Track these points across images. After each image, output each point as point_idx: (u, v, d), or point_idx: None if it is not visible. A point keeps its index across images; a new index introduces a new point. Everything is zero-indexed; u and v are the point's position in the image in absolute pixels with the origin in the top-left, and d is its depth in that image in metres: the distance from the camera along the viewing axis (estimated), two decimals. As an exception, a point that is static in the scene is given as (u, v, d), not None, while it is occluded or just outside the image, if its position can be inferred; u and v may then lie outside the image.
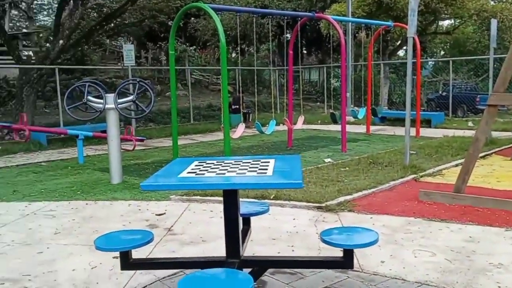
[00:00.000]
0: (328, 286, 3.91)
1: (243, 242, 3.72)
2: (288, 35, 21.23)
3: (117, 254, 4.05)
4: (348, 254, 3.41)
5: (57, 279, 4.25)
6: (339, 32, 11.63)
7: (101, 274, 4.31)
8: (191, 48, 28.71)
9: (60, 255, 4.86)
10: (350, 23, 19.88)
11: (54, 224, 5.95)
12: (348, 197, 6.56)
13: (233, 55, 31.10)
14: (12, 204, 6.99)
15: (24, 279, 4.26)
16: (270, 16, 14.01)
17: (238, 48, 23.20)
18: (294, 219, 5.84)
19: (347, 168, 8.57)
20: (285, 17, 14.89)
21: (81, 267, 4.48)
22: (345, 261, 3.43)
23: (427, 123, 15.86)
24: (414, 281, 3.96)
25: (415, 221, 5.63)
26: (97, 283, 4.13)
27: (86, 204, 6.93)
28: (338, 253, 3.82)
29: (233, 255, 3.45)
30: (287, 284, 3.96)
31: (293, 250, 4.78)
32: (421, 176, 7.98)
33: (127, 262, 3.61)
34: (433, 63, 31.45)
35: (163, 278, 4.15)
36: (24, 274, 4.37)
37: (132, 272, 4.20)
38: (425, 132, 14.11)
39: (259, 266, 3.64)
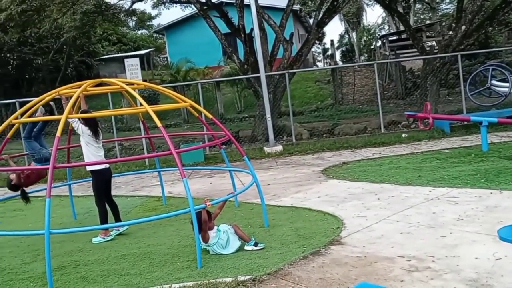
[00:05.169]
0: None
1: None
2: None
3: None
4: None
5: (459, 264, 4.28)
6: None
7: (506, 267, 4.08)
8: None
9: (463, 241, 4.86)
10: None
11: (457, 210, 5.98)
12: None
13: None
14: (417, 188, 7.42)
15: (428, 259, 4.48)
16: None
17: None
18: None
19: None
20: None
21: (484, 257, 4.36)
22: None
23: None
24: None
25: None
26: (502, 275, 3.93)
27: (491, 193, 6.65)
28: None
29: None
30: None
31: None
32: None
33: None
34: None
35: None
36: (428, 254, 4.59)
37: (542, 270, 3.81)
38: None
39: None
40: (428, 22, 33.24)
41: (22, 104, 11.41)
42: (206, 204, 5.24)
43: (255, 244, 5.28)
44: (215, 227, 5.39)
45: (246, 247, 5.29)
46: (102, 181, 6.60)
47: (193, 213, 4.98)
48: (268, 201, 7.35)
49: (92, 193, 6.80)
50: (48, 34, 24.66)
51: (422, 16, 42.80)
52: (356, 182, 8.41)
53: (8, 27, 19.43)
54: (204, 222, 5.23)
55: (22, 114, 6.63)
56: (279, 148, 13.40)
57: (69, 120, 6.01)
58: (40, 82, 27.48)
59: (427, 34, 24.99)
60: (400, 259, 4.56)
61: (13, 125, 6.36)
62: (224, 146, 9.07)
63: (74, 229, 6.71)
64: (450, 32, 15.79)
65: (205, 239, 5.27)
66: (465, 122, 12.65)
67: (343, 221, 6.05)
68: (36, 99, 6.48)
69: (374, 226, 5.71)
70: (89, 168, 6.60)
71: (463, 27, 14.72)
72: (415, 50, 18.43)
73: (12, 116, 6.29)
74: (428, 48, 19.09)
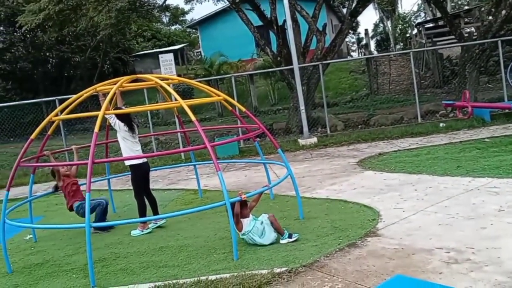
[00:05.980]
0: None
1: None
2: None
3: None
4: None
5: (500, 256, 4.17)
6: None
7: (551, 259, 3.94)
8: None
9: (504, 232, 4.73)
10: None
11: (498, 201, 5.82)
12: None
13: None
14: (456, 179, 7.25)
15: (468, 251, 4.38)
16: None
17: None
18: None
19: None
20: None
21: (527, 248, 4.23)
22: None
23: None
24: None
25: None
26: (546, 268, 3.81)
27: (533, 182, 6.45)
28: None
29: None
30: None
31: None
32: None
33: None
34: None
35: None
36: (468, 246, 4.49)
37: None
38: None
39: None
40: (466, 7, 32.26)
41: (61, 101, 11.71)
42: (241, 197, 5.28)
43: (290, 236, 5.29)
44: (251, 216, 5.42)
45: (281, 241, 5.29)
46: (140, 175, 6.74)
47: (229, 206, 5.02)
48: (303, 193, 7.34)
49: (131, 187, 6.94)
50: (85, 32, 25.24)
51: (459, 2, 41.58)
52: (392, 173, 8.29)
53: (46, 27, 19.95)
54: (236, 215, 5.26)
55: (61, 111, 6.81)
56: (314, 140, 13.32)
57: (106, 116, 6.15)
58: (79, 79, 28.16)
59: (465, 20, 24.28)
60: (439, 251, 4.48)
61: (53, 122, 6.54)
62: (258, 139, 9.08)
63: (114, 222, 6.89)
64: (490, 17, 15.28)
65: (239, 229, 5.32)
66: (506, 110, 12.27)
67: (379, 212, 5.98)
68: (74, 96, 6.65)
69: (412, 218, 5.62)
70: (127, 162, 6.75)
71: (503, 12, 14.22)
72: (453, 37, 17.94)
73: (52, 113, 6.47)
74: (466, 35, 18.55)
